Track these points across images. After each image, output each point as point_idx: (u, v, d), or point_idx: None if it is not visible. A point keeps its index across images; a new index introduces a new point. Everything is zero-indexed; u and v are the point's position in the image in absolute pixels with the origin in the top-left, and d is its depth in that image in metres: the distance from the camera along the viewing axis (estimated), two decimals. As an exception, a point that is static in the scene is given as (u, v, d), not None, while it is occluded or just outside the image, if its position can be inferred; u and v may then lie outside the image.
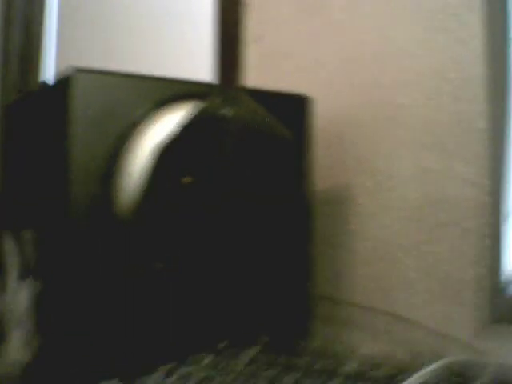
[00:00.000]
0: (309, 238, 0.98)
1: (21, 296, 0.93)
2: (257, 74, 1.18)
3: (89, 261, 0.87)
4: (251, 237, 0.92)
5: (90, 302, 0.87)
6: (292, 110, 0.98)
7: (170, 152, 0.88)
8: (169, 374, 0.80)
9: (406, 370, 0.72)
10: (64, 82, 0.90)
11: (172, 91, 0.93)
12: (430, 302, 0.92)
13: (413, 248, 0.95)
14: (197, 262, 0.89)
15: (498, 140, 0.77)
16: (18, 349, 0.92)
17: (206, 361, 0.83)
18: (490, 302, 0.80)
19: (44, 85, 1.09)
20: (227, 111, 0.90)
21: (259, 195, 0.92)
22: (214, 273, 0.91)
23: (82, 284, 0.87)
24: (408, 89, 0.98)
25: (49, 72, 1.54)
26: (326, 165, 1.04)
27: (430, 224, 0.92)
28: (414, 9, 0.99)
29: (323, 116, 1.02)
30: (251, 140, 0.92)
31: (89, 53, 1.50)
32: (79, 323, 0.87)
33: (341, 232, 1.04)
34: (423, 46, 0.96)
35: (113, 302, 0.87)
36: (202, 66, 1.26)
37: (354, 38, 1.07)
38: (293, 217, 0.95)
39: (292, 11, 1.17)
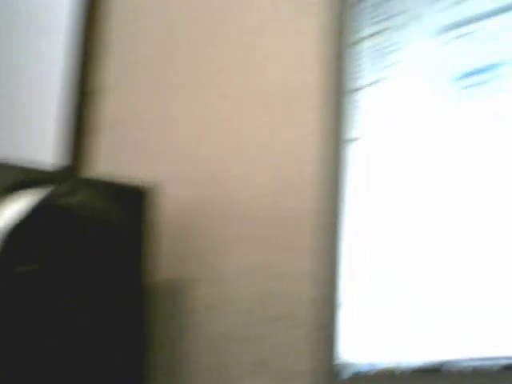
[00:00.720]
0: (146, 331, 0.97)
1: None
2: (108, 160, 1.20)
3: None
4: (87, 328, 0.91)
5: None
6: (132, 200, 0.99)
7: (12, 239, 0.86)
8: None
9: None
10: None
11: (16, 178, 0.92)
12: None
13: (249, 341, 0.96)
14: (30, 353, 0.87)
15: (330, 235, 0.81)
16: None
17: None
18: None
19: None
20: (67, 200, 0.90)
21: (96, 287, 0.92)
22: (48, 369, 0.89)
23: None
24: (246, 184, 1.01)
25: None
26: (167, 257, 1.05)
27: (265, 317, 0.94)
28: (266, 99, 1.03)
29: (168, 206, 1.04)
30: (90, 230, 0.92)
31: None
32: None
33: (178, 324, 1.04)
34: (272, 137, 1.00)
35: None
36: (51, 151, 1.25)
37: (202, 124, 1.10)
38: (130, 308, 0.96)
39: (144, 101, 1.19)
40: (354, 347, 0.75)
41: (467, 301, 0.63)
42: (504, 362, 0.60)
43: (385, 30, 0.76)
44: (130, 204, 0.99)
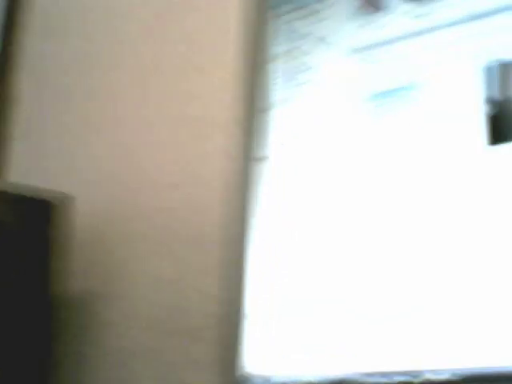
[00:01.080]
0: (49, 344, 0.96)
1: None
2: (23, 169, 1.18)
3: None
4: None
5: None
6: (40, 212, 0.98)
7: None
8: None
9: None
10: None
11: None
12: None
13: (148, 356, 0.96)
14: None
15: (236, 251, 0.81)
16: None
17: None
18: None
19: None
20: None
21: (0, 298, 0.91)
22: None
23: None
24: (155, 200, 1.01)
25: None
26: (75, 270, 1.04)
27: (169, 332, 0.94)
28: (175, 114, 1.03)
29: (76, 219, 1.03)
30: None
31: None
32: None
33: (83, 338, 1.03)
34: (181, 153, 1.00)
35: None
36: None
37: (113, 139, 1.09)
38: (33, 322, 0.94)
39: (57, 111, 1.18)
40: (261, 361, 0.75)
41: (379, 313, 0.65)
42: (422, 377, 0.61)
43: (299, 48, 0.78)
44: (37, 216, 0.98)
